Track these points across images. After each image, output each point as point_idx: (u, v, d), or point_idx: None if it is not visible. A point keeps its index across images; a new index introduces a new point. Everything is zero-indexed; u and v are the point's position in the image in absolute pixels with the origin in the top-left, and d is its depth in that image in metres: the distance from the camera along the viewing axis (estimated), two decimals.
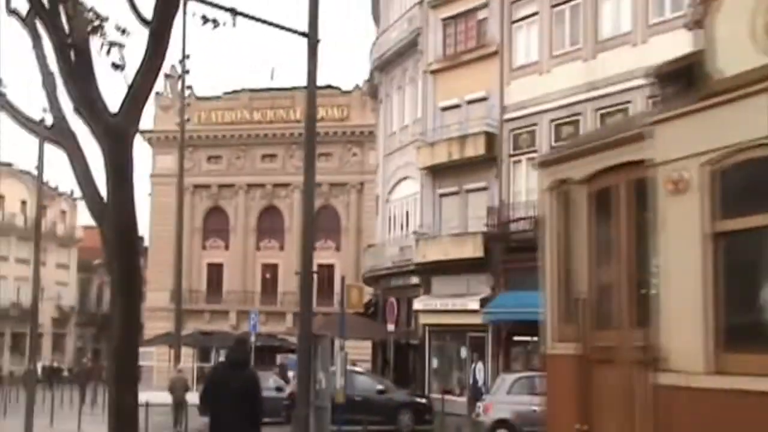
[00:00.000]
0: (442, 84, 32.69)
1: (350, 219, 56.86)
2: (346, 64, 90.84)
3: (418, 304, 32.65)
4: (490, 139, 29.96)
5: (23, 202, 67.02)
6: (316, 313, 17.01)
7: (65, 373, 58.01)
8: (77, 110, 8.26)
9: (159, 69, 8.49)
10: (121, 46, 8.35)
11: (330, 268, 57.59)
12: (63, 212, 72.16)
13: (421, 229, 32.83)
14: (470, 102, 31.34)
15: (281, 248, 58.83)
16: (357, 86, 56.98)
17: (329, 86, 59.37)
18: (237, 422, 8.93)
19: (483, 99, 30.79)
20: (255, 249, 59.20)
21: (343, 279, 25.42)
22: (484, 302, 29.29)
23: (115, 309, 8.30)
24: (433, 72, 33.08)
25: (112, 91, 8.56)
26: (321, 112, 56.89)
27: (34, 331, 24.28)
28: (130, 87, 8.28)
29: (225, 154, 59.71)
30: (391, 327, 30.52)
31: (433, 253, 31.27)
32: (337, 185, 57.38)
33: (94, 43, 8.19)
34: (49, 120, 8.82)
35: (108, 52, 8.29)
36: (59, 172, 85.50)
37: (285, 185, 58.42)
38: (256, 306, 53.77)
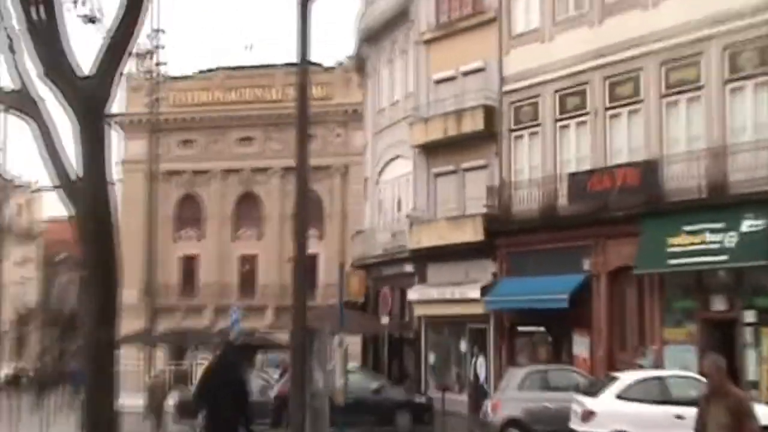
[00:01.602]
0: (435, 55, 32.44)
1: (334, 204, 56.59)
2: (326, 40, 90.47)
3: (412, 294, 32.43)
4: (489, 112, 29.73)
5: None
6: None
7: (24, 379, 57.33)
8: (45, 73, 8.05)
9: (137, 22, 8.04)
10: None
11: (313, 258, 57.34)
12: (23, 204, 71.18)
13: (415, 212, 32.72)
14: (467, 73, 31.13)
15: (259, 237, 58.63)
16: (339, 62, 56.68)
17: (309, 63, 58.57)
18: (233, 421, 9.50)
19: (480, 70, 30.58)
20: (232, 239, 58.89)
21: (341, 265, 25.12)
22: (484, 290, 29.10)
23: (89, 304, 8.11)
24: (426, 42, 32.90)
25: (84, 53, 8.38)
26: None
27: None
28: (106, 46, 8.02)
29: (199, 138, 59.37)
30: (385, 319, 30.27)
31: (429, 238, 31.15)
32: (319, 169, 56.23)
33: None
34: (11, 85, 8.64)
35: (82, 1, 8.29)
36: (19, 158, 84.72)
37: (263, 170, 58.18)
38: (233, 300, 53.51)
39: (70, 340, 63.42)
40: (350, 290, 24.49)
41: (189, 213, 59.70)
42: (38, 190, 68.09)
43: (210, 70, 59.99)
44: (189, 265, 58.98)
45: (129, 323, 50.06)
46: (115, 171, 60.99)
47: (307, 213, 16.39)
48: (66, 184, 8.27)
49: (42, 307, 72.98)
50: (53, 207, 73.96)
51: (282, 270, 55.14)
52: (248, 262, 58.46)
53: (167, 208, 58.43)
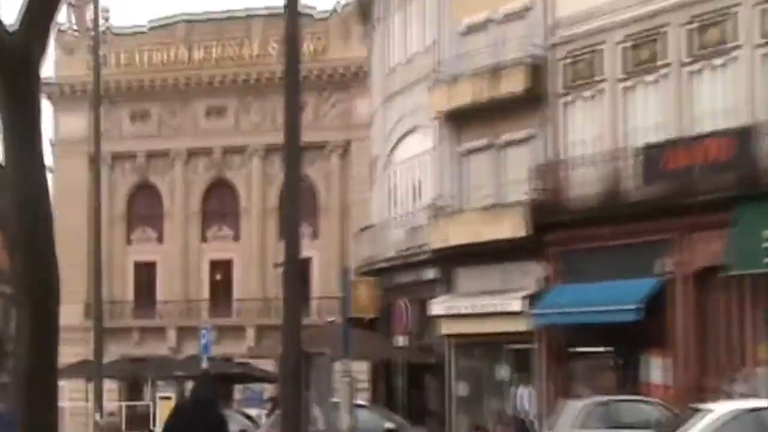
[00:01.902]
0: None
1: (331, 193, 56.72)
2: None
3: (436, 307, 32.45)
4: (534, 70, 29.73)
5: None
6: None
7: None
8: None
9: None
10: None
11: (306, 262, 57.41)
12: None
13: (439, 200, 32.74)
14: (505, 19, 31.23)
15: (236, 238, 58.83)
16: (335, 8, 56.67)
17: (297, 9, 58.59)
18: None
19: (523, 13, 30.68)
20: (200, 240, 58.98)
21: (345, 271, 25.15)
22: (530, 301, 29.29)
23: (20, 326, 8.23)
24: None
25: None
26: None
27: None
28: None
29: (155, 110, 59.23)
30: (400, 340, 30.47)
31: (457, 234, 31.19)
32: (312, 147, 56.11)
33: None
34: None
35: None
36: None
37: (239, 150, 58.22)
38: (203, 319, 53.63)
39: None
40: (357, 303, 24.72)
41: (145, 208, 59.65)
42: None
43: (167, 24, 59.79)
44: (146, 274, 58.95)
45: (71, 350, 49.41)
46: (47, 155, 60.88)
47: (299, 204, 16.30)
48: None
49: None
50: None
51: (265, 279, 55.59)
52: (221, 270, 58.54)
53: (117, 201, 58.61)
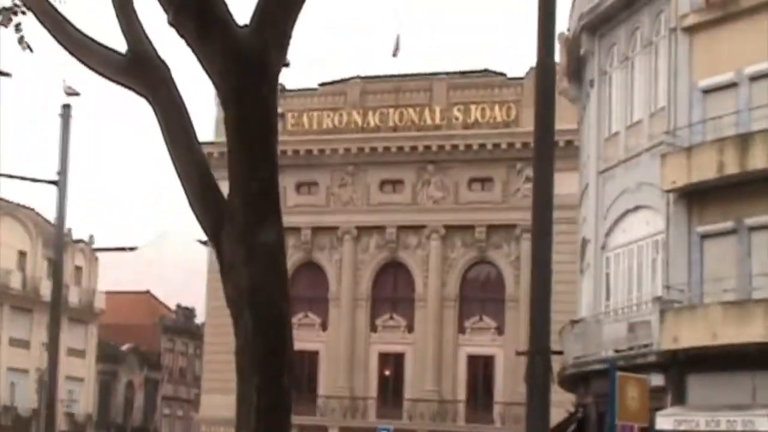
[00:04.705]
0: (704, 49, 32.00)
1: (521, 282, 55.03)
2: (512, 43, 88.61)
3: (663, 421, 30.66)
4: None
5: (21, 254, 67.92)
6: None
7: None
8: (175, 19, 8.03)
9: None
10: None
11: (488, 360, 56.26)
12: (78, 268, 72.14)
13: (669, 293, 31.77)
14: (755, 77, 30.53)
15: (409, 328, 58.44)
16: (531, 69, 54.92)
17: (486, 71, 57.94)
18: None
19: None
20: (368, 329, 58.73)
21: (612, 366, 22.96)
22: None
23: (243, 399, 7.91)
24: (689, 29, 32.43)
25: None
26: (471, 113, 56.05)
27: None
28: None
29: (323, 179, 59.65)
30: None
31: (691, 334, 30.17)
32: (497, 228, 56.91)
33: None
34: (121, 48, 8.58)
35: None
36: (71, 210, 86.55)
37: (415, 228, 58.05)
38: (370, 419, 54.32)
39: None
40: (625, 408, 23.08)
41: (307, 289, 59.38)
42: (100, 249, 68.59)
43: (339, 81, 60.70)
44: (307, 364, 58.40)
45: None
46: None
47: (549, 300, 14.48)
48: (209, 208, 8.09)
49: (98, 417, 73.63)
50: (112, 278, 75.11)
51: (440, 377, 55.12)
52: (391, 364, 58.34)
53: None
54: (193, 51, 8.11)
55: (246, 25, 8.06)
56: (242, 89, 7.92)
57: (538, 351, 14.77)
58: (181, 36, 8.07)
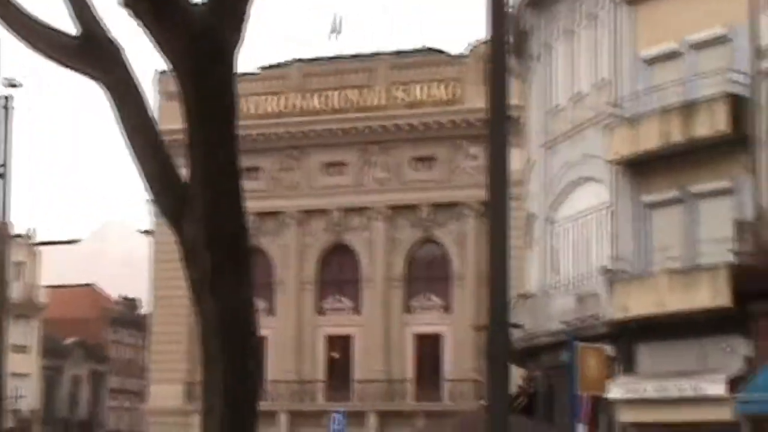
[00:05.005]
0: (646, 19, 31.99)
1: (467, 259, 55.89)
2: (452, 19, 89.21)
3: (614, 390, 31.09)
4: (738, 106, 28.84)
5: None
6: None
7: None
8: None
9: None
10: None
11: (435, 339, 56.69)
12: (19, 263, 71.33)
13: (617, 263, 31.85)
14: (698, 46, 30.68)
15: (356, 310, 58.73)
16: (472, 46, 55.85)
17: (429, 49, 58.17)
18: None
19: (722, 40, 30.01)
20: (315, 312, 58.92)
21: (572, 337, 23.45)
22: (734, 384, 28.14)
23: (209, 382, 7.92)
24: (632, 0, 32.32)
25: None
26: (414, 92, 56.31)
27: None
28: None
29: (266, 164, 59.52)
30: (581, 429, 29.76)
31: (640, 303, 30.24)
32: (443, 207, 57.12)
33: None
34: (72, 30, 8.47)
35: None
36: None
37: (360, 210, 58.25)
38: (320, 402, 54.74)
39: None
40: (585, 378, 23.28)
41: (255, 274, 59.20)
42: (41, 243, 68.07)
43: (280, 65, 60.72)
44: None
45: None
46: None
47: (507, 274, 14.70)
48: (167, 193, 8.10)
49: (45, 413, 73.07)
50: (53, 272, 74.55)
51: (389, 357, 55.64)
52: (339, 347, 58.53)
53: None
54: (148, 31, 7.97)
55: (202, 4, 7.96)
56: (199, 69, 7.83)
57: (498, 325, 15.03)
58: (135, 16, 7.92)
